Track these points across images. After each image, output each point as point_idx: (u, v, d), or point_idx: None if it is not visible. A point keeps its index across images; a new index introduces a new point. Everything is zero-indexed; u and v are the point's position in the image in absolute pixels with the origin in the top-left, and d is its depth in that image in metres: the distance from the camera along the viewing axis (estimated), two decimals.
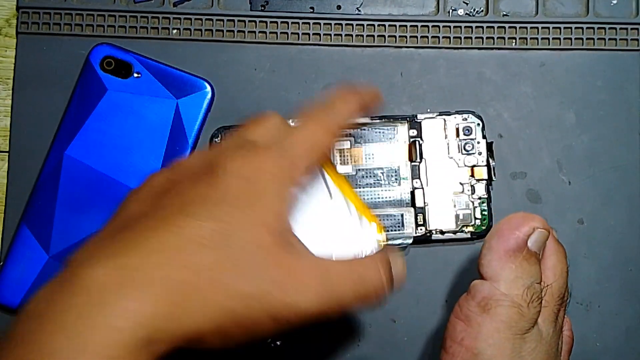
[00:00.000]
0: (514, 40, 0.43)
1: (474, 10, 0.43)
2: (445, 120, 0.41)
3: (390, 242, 0.40)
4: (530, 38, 0.42)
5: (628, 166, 0.42)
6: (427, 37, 0.42)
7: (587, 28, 0.43)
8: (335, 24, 0.42)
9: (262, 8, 0.43)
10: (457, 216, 0.41)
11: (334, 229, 0.33)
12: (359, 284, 0.29)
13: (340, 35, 0.42)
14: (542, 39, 0.42)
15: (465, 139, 0.41)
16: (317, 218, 0.32)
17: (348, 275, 0.29)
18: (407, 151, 0.41)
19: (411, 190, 0.41)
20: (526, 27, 0.42)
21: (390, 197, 0.41)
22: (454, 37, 0.42)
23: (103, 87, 0.41)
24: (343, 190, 0.33)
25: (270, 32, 0.42)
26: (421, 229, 0.40)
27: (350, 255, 0.32)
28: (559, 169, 0.42)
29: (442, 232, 0.41)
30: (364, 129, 0.41)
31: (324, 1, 0.43)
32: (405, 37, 0.42)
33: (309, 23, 0.42)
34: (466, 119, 0.41)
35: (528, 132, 0.42)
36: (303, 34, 0.42)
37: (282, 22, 0.42)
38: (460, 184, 0.41)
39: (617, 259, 0.41)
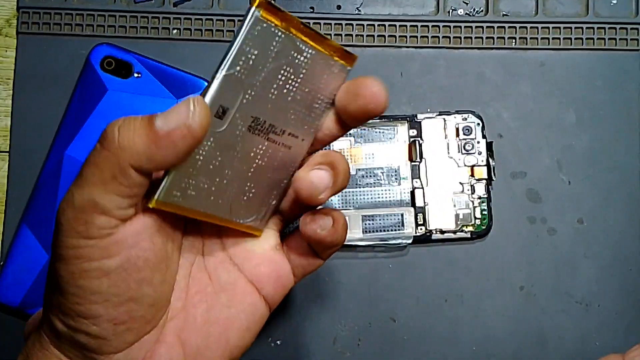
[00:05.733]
0: (513, 40, 0.43)
1: (474, 10, 0.43)
2: (445, 120, 0.41)
3: (390, 241, 0.40)
4: (530, 38, 0.42)
5: (627, 166, 0.42)
6: (427, 37, 0.43)
7: (587, 28, 0.43)
8: (335, 23, 0.42)
9: None
10: (457, 216, 0.41)
11: None
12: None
13: (340, 35, 0.42)
14: (541, 38, 0.42)
15: (465, 139, 0.41)
16: None
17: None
18: (407, 151, 0.41)
19: (411, 190, 0.41)
20: (526, 27, 0.43)
21: (390, 197, 0.41)
22: (454, 37, 0.43)
23: (103, 87, 0.41)
24: None
25: None
26: (421, 229, 0.41)
27: None
28: (559, 168, 0.42)
29: (442, 232, 0.41)
30: (364, 129, 0.41)
31: (324, 1, 0.43)
32: (405, 37, 0.43)
33: (309, 23, 0.42)
34: (466, 119, 0.41)
35: (528, 132, 0.42)
36: None
37: None
38: (460, 183, 0.41)
39: (617, 258, 0.41)
